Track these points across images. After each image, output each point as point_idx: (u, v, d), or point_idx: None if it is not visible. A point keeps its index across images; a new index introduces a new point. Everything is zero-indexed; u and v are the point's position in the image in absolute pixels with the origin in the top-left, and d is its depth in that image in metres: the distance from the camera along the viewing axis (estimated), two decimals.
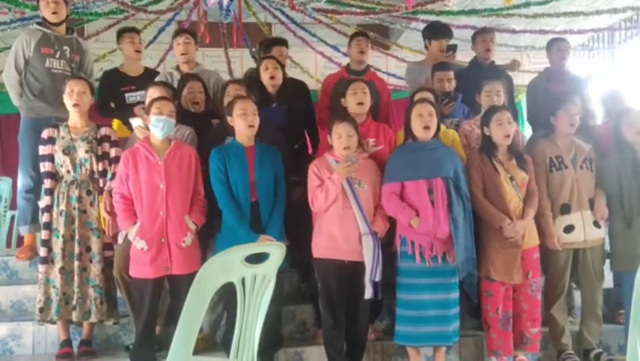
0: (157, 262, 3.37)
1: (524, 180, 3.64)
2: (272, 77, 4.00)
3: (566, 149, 3.80)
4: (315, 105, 4.45)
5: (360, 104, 3.69)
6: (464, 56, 5.06)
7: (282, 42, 4.86)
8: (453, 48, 4.73)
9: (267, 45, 4.84)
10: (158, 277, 3.40)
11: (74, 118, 3.70)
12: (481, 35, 4.78)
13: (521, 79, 5.08)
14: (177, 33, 4.56)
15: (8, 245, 6.19)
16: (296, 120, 4.06)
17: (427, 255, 3.37)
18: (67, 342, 3.64)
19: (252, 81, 4.20)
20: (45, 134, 3.67)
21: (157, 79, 4.38)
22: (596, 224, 3.74)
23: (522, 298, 3.60)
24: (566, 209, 3.70)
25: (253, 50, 6.35)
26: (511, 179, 3.60)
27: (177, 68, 4.46)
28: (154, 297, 3.43)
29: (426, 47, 4.88)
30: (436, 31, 4.78)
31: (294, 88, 4.24)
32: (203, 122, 3.95)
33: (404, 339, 3.46)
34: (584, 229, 3.71)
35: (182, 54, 4.40)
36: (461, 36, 5.41)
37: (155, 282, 3.41)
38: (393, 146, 3.73)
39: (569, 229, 3.70)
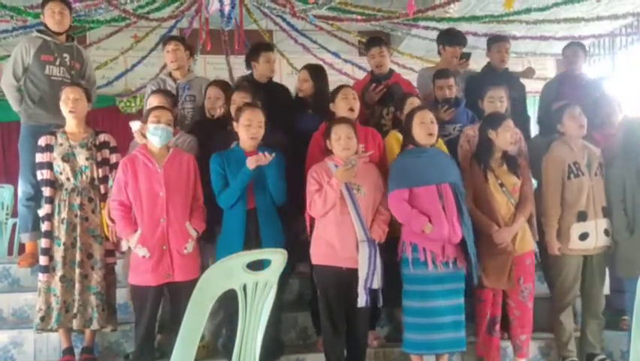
0: (159, 269, 3.37)
1: (515, 185, 3.65)
2: (300, 90, 4.17)
3: (579, 154, 3.78)
4: None
5: (351, 110, 3.68)
6: (475, 63, 5.06)
7: (269, 47, 4.66)
8: (466, 56, 4.74)
9: (253, 51, 4.53)
10: (160, 284, 3.40)
11: (71, 125, 3.69)
12: (497, 45, 4.80)
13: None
14: (166, 41, 4.52)
15: (10, 253, 6.18)
16: None
17: (438, 261, 3.35)
18: (69, 350, 3.64)
19: (257, 87, 4.21)
20: (42, 141, 3.65)
21: (149, 86, 4.37)
22: (606, 232, 3.73)
23: (514, 305, 3.63)
24: (582, 216, 3.69)
25: None
26: (501, 185, 3.60)
27: (170, 74, 4.43)
28: (155, 304, 3.43)
29: (439, 53, 4.88)
30: (451, 38, 4.79)
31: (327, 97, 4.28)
32: (219, 129, 3.92)
33: (414, 347, 3.42)
34: (596, 237, 3.70)
35: (172, 61, 4.37)
36: None
37: (156, 289, 3.41)
38: (382, 150, 3.73)
39: (584, 236, 3.69)
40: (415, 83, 4.96)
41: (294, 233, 3.77)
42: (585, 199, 3.69)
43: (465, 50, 4.85)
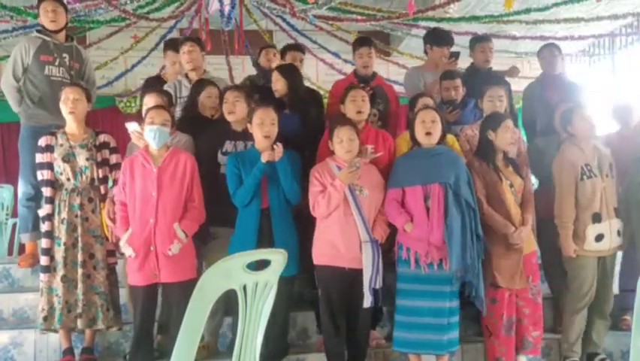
0: (145, 269, 3.38)
1: (521, 185, 3.67)
2: (275, 90, 4.10)
3: (590, 155, 3.75)
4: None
5: (359, 112, 3.67)
6: (466, 62, 5.06)
7: (297, 47, 4.90)
8: (455, 55, 4.71)
9: (283, 51, 4.93)
10: (149, 284, 3.41)
11: (71, 125, 3.68)
12: (480, 45, 4.76)
13: (521, 85, 5.07)
14: (181, 42, 4.54)
15: (10, 253, 6.19)
16: (308, 128, 4.05)
17: (422, 262, 3.37)
18: (69, 350, 3.64)
19: (257, 87, 4.21)
20: (42, 142, 3.64)
21: (165, 87, 4.38)
22: (618, 233, 3.73)
23: (524, 303, 3.62)
24: (597, 218, 3.68)
25: (253, 57, 6.36)
26: (510, 185, 3.61)
27: (186, 75, 4.45)
28: (146, 304, 3.44)
29: (426, 52, 4.87)
30: (438, 38, 4.77)
31: (307, 96, 4.29)
32: (210, 125, 3.92)
33: (401, 345, 3.45)
34: (610, 237, 3.70)
35: (188, 62, 4.39)
36: (462, 43, 5.41)
37: (146, 289, 3.41)
38: (393, 152, 3.73)
39: (599, 237, 3.68)
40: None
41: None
42: (599, 201, 3.68)
43: (465, 50, 4.84)
